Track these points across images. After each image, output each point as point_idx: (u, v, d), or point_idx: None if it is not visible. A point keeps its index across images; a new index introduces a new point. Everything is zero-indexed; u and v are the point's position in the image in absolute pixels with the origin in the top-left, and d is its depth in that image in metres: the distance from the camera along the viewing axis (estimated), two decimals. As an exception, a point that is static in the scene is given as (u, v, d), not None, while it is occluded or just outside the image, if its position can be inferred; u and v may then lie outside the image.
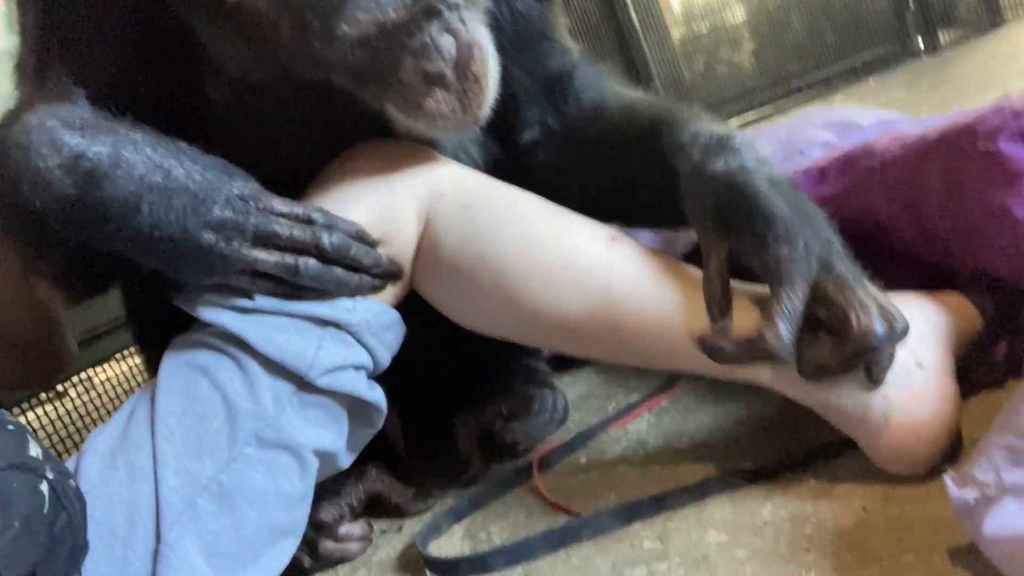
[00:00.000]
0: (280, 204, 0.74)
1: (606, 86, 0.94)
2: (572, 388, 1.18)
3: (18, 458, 0.61)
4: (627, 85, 0.97)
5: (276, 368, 0.73)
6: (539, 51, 0.95)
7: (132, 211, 0.69)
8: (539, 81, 0.95)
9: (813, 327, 0.70)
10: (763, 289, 0.73)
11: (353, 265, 0.76)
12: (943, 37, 2.75)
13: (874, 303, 0.68)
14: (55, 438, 1.43)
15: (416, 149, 0.85)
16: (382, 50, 0.71)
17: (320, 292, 0.75)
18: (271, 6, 0.70)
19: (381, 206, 0.80)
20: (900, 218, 0.84)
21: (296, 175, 0.84)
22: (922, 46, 2.74)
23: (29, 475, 0.61)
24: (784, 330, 0.68)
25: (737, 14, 2.91)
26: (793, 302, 0.69)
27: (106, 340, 1.51)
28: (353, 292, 0.77)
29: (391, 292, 0.82)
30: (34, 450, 0.64)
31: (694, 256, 0.86)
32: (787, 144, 1.11)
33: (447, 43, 0.72)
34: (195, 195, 0.70)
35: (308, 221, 0.74)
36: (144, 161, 0.70)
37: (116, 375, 1.57)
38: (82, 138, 0.69)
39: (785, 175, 0.77)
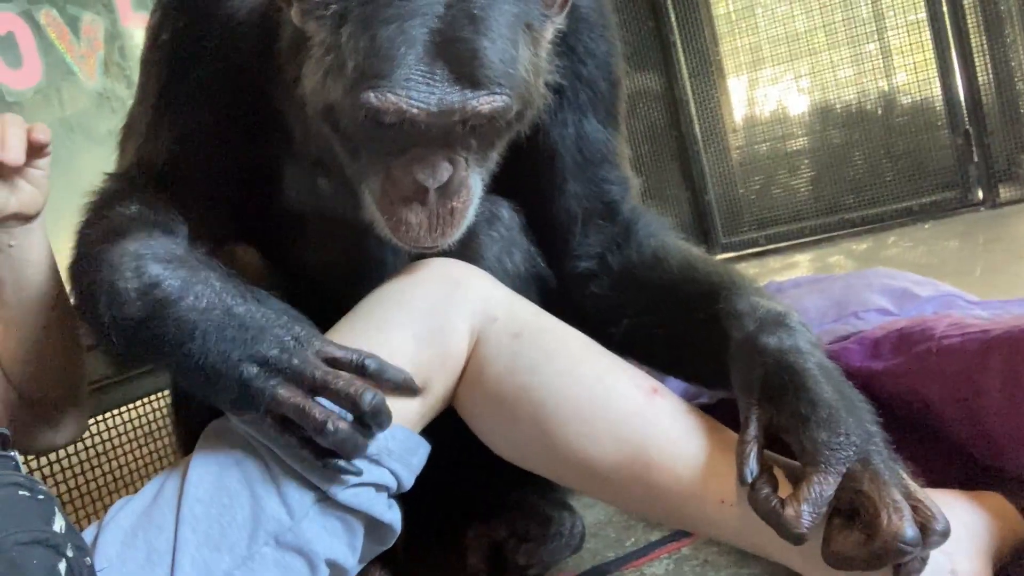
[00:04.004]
0: (335, 349, 0.75)
1: (668, 237, 0.96)
2: (590, 511, 1.16)
3: (43, 533, 0.61)
4: (688, 240, 0.98)
5: (302, 476, 0.74)
6: (600, 176, 0.97)
7: (187, 337, 0.72)
8: (596, 206, 0.97)
9: (849, 516, 0.69)
10: (797, 465, 0.72)
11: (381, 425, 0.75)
12: (1004, 192, 2.75)
13: (908, 505, 0.67)
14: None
15: (473, 268, 0.87)
16: (389, 136, 0.74)
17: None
18: (331, 36, 0.73)
19: (436, 322, 0.82)
20: (952, 409, 0.83)
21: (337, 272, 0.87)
22: (982, 198, 2.74)
23: (50, 552, 0.61)
24: (807, 514, 0.68)
25: (799, 140, 2.94)
26: (823, 488, 0.68)
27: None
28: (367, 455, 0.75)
29: (430, 404, 0.82)
30: (58, 523, 0.64)
31: (716, 409, 0.87)
32: (841, 303, 1.11)
33: (445, 171, 0.76)
34: (248, 330, 0.72)
35: (361, 369, 0.75)
36: (210, 296, 0.74)
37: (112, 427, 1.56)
38: (163, 269, 0.74)
39: (835, 364, 0.77)
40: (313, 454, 0.72)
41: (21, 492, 0.64)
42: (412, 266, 0.86)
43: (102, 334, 0.76)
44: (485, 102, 0.73)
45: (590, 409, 0.79)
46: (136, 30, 1.71)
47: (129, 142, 0.94)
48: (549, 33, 0.79)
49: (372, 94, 0.71)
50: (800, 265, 2.66)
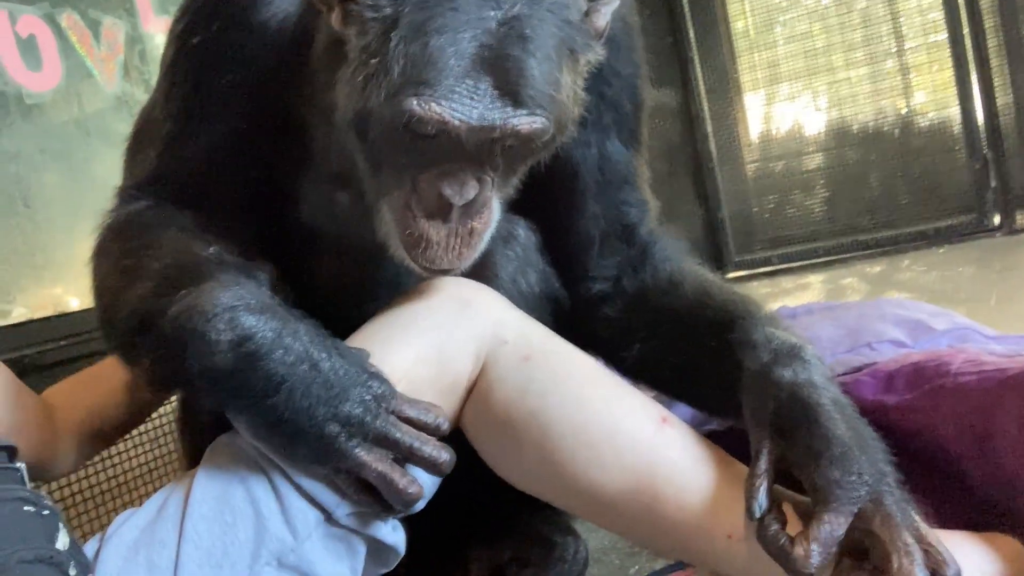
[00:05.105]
0: (409, 408, 0.74)
1: (684, 262, 0.95)
2: (593, 535, 1.15)
3: (47, 551, 0.61)
4: (703, 264, 0.97)
5: (307, 496, 0.73)
6: (620, 197, 0.96)
7: (272, 391, 0.71)
8: (615, 227, 0.96)
9: (859, 557, 0.68)
10: (807, 501, 0.71)
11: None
12: (1021, 218, 2.72)
13: (920, 549, 0.66)
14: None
15: (485, 289, 0.86)
16: (422, 148, 0.73)
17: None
18: (377, 41, 0.72)
19: (440, 342, 0.81)
20: (966, 448, 0.82)
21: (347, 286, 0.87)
22: (998, 224, 2.72)
23: (53, 570, 0.61)
24: (816, 553, 0.67)
25: (815, 159, 2.93)
26: (834, 528, 0.68)
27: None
28: None
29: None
30: (62, 540, 0.64)
31: (725, 435, 0.86)
32: (855, 332, 1.10)
33: (472, 188, 0.75)
34: (332, 388, 0.72)
35: (435, 429, 0.75)
36: (298, 350, 0.72)
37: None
38: (256, 321, 0.72)
39: (848, 399, 0.76)
40: (378, 505, 0.73)
41: (26, 508, 0.63)
42: (423, 285, 0.86)
43: (180, 380, 0.75)
44: (525, 122, 0.72)
45: (598, 437, 0.78)
46: (157, 34, 1.72)
47: (146, 151, 0.91)
48: (588, 60, 0.78)
49: (415, 101, 0.70)
50: (812, 286, 2.64)
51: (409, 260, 0.79)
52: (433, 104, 0.70)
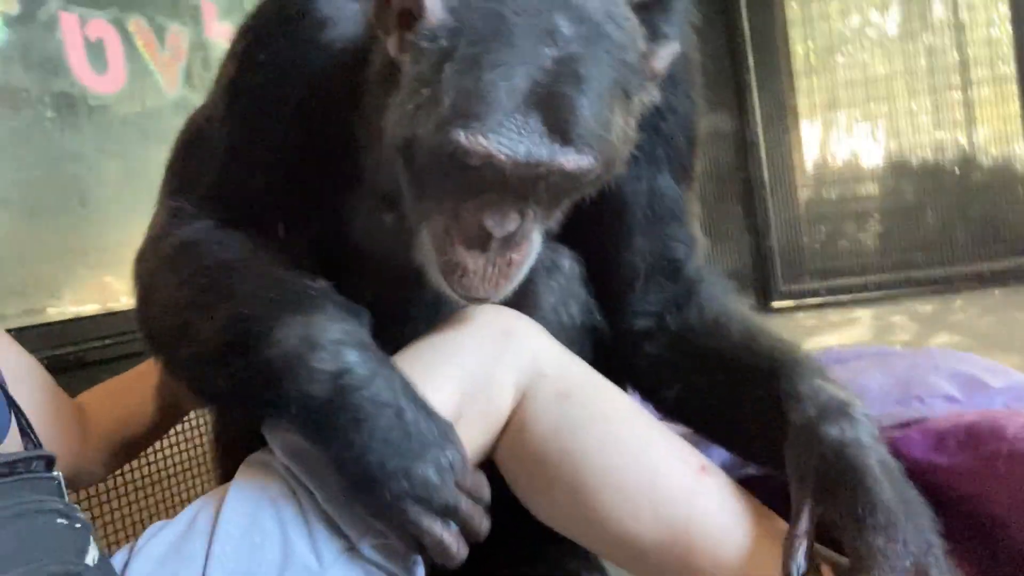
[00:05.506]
0: (470, 479, 0.75)
1: (731, 304, 0.93)
2: (619, 572, 1.13)
3: (76, 566, 0.61)
4: (749, 306, 0.95)
5: (334, 524, 0.73)
6: (668, 233, 0.95)
7: (353, 428, 0.72)
8: (662, 263, 0.95)
9: None
10: (846, 562, 0.69)
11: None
12: (1083, 264, 2.63)
13: None
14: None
15: (525, 319, 0.85)
16: (466, 178, 0.73)
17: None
18: (430, 71, 0.72)
19: (481, 373, 0.80)
20: (1019, 518, 0.78)
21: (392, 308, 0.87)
22: (1059, 268, 2.63)
23: (81, 585, 0.61)
24: None
25: (870, 188, 2.85)
26: None
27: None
28: None
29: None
30: (91, 554, 0.65)
31: (758, 482, 0.83)
32: (905, 383, 1.06)
33: (513, 221, 0.74)
34: (411, 440, 0.72)
35: (482, 502, 0.75)
36: (387, 393, 0.73)
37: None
38: (357, 357, 0.74)
39: (896, 460, 0.73)
40: (415, 552, 0.74)
41: (59, 520, 0.64)
42: (464, 312, 0.85)
43: (263, 401, 0.75)
44: (572, 160, 0.71)
45: (634, 483, 0.76)
46: (219, 41, 1.75)
47: (201, 163, 0.91)
48: (642, 103, 0.77)
49: (463, 133, 0.70)
50: (860, 321, 2.58)
51: (445, 286, 0.79)
52: (480, 137, 0.69)
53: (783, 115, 2.84)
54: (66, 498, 0.69)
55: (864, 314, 2.60)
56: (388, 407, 0.72)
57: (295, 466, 0.75)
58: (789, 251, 2.81)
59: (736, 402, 0.85)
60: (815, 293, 2.79)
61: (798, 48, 2.86)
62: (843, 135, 2.87)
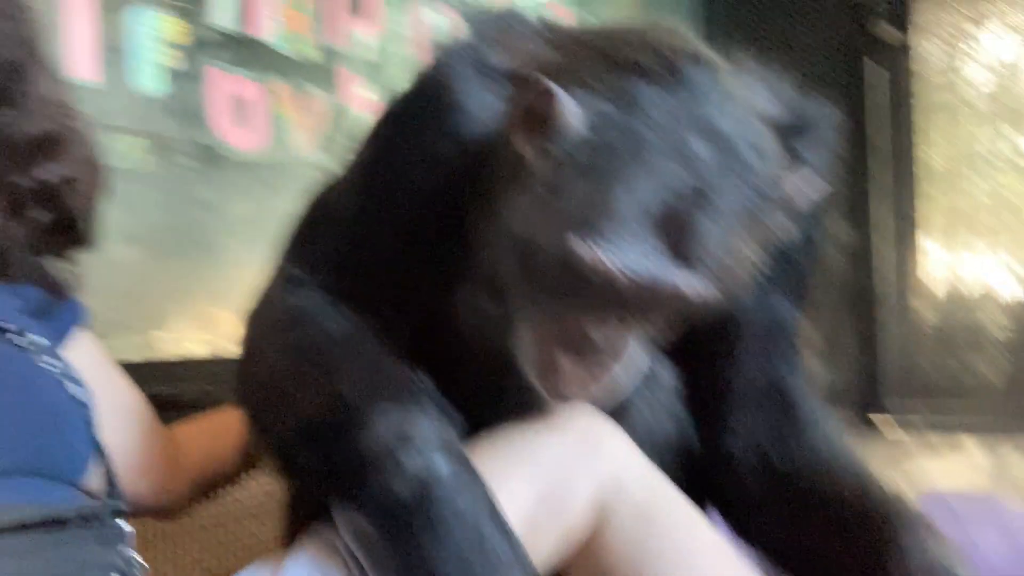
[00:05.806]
0: None
1: (838, 440, 0.88)
2: None
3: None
4: (857, 447, 0.90)
5: None
6: (776, 356, 0.91)
7: (430, 536, 0.70)
8: (764, 386, 0.91)
9: None
10: None
11: None
12: None
13: None
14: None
15: (614, 428, 0.82)
16: (577, 287, 0.71)
17: None
18: (557, 175, 0.71)
19: (562, 481, 0.77)
20: None
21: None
22: None
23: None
24: None
25: (996, 318, 2.69)
26: None
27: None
28: None
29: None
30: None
31: None
32: (1022, 551, 0.97)
33: (620, 336, 0.73)
34: (485, 562, 0.70)
35: None
36: (471, 508, 0.72)
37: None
38: (446, 465, 0.72)
39: None
40: None
41: (112, 574, 0.65)
42: (551, 411, 0.83)
43: (340, 483, 0.74)
44: (692, 287, 0.69)
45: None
46: (357, 111, 1.85)
47: (325, 235, 0.91)
48: (773, 231, 0.75)
49: (583, 245, 0.69)
50: (971, 458, 2.41)
51: (538, 384, 0.77)
52: (599, 251, 0.68)
53: (906, 230, 2.74)
54: (130, 547, 0.70)
55: (976, 451, 2.43)
56: (469, 524, 0.70)
57: (360, 553, 0.73)
58: (900, 371, 2.68)
59: (835, 551, 0.81)
60: (923, 419, 2.63)
61: (929, 163, 2.77)
62: (971, 258, 2.73)
